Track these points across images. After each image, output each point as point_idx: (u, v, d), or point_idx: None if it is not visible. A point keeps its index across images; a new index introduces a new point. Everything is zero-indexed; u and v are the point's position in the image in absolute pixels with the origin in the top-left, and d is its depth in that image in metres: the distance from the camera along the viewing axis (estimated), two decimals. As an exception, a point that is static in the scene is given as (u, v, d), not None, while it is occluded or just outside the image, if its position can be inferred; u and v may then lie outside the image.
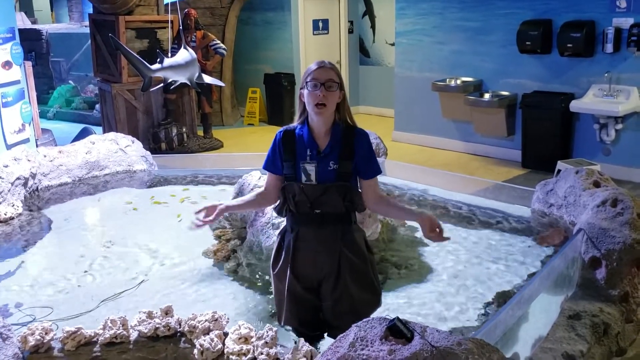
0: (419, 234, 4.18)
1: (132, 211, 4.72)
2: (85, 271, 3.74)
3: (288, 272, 2.58)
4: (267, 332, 2.34)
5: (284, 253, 2.61)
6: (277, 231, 3.69)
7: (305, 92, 2.47)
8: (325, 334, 2.71)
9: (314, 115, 2.47)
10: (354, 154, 2.50)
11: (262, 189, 2.69)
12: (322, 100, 2.42)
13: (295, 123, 2.59)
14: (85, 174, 5.27)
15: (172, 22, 7.73)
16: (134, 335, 2.48)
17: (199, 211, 2.55)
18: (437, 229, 2.41)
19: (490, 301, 3.33)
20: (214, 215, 2.54)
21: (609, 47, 6.49)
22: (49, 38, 12.81)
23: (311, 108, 2.46)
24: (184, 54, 4.90)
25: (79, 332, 2.44)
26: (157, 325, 2.48)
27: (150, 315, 2.54)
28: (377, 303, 2.69)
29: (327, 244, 2.53)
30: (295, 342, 2.35)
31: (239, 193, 4.25)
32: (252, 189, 4.11)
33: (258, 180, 4.18)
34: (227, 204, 2.62)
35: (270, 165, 2.61)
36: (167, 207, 4.80)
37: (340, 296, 2.55)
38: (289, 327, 2.74)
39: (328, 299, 2.58)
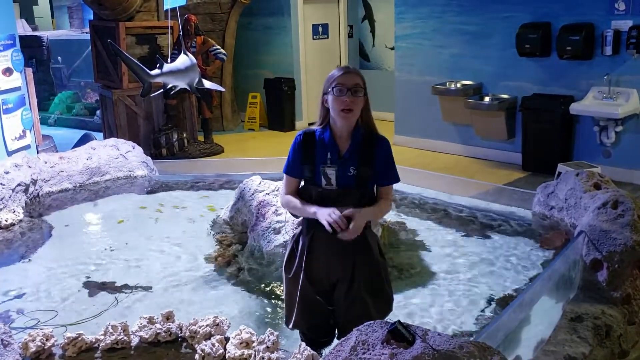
0: (419, 238, 4.18)
1: (133, 217, 4.72)
2: (87, 277, 3.74)
3: (302, 275, 2.58)
4: (269, 336, 2.33)
5: (297, 256, 2.61)
6: (279, 235, 3.71)
7: (329, 97, 2.45)
8: (335, 339, 2.70)
9: (339, 120, 2.45)
10: (374, 160, 2.49)
11: (287, 193, 2.60)
12: (349, 105, 2.41)
13: (316, 127, 2.57)
14: (86, 180, 5.27)
15: (172, 28, 7.75)
16: (135, 340, 2.48)
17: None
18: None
19: (492, 304, 3.33)
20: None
21: (608, 50, 6.50)
22: (49, 45, 12.84)
23: (337, 113, 2.44)
24: (184, 60, 4.90)
25: (79, 338, 2.44)
26: (158, 331, 2.47)
27: (151, 320, 2.54)
28: (388, 309, 2.68)
29: (341, 248, 2.52)
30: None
31: (240, 198, 4.25)
32: (252, 194, 4.12)
33: (259, 185, 4.18)
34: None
35: (291, 168, 2.57)
36: (170, 212, 4.80)
37: (353, 301, 2.55)
38: (295, 331, 2.74)
39: (340, 304, 2.58)
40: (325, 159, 2.49)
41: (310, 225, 2.57)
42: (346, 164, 2.48)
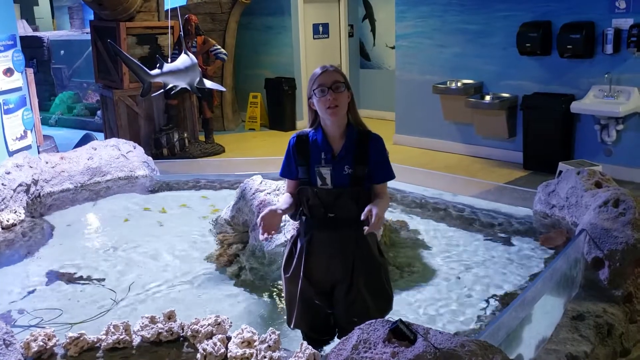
0: (420, 237, 4.18)
1: (134, 217, 4.72)
2: (88, 277, 3.74)
3: (301, 276, 2.58)
4: (270, 335, 2.33)
5: (296, 257, 2.61)
6: (280, 235, 3.71)
7: (314, 100, 2.47)
8: (336, 338, 2.70)
9: (328, 118, 2.46)
10: (369, 159, 2.50)
11: (287, 193, 2.65)
12: (333, 102, 2.42)
13: (308, 129, 2.58)
14: (87, 180, 5.28)
15: (172, 28, 7.76)
16: (136, 340, 2.48)
17: (260, 224, 2.43)
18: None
19: (493, 303, 3.33)
20: (277, 224, 2.46)
21: (609, 48, 6.49)
22: (50, 45, 12.86)
23: (323, 112, 2.45)
24: (184, 59, 4.90)
25: (81, 338, 2.44)
26: (159, 330, 2.47)
27: (152, 320, 2.54)
28: (388, 307, 2.68)
29: (340, 248, 2.53)
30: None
31: (241, 198, 4.26)
32: (253, 194, 4.12)
33: (259, 184, 4.18)
34: (281, 207, 2.52)
35: (286, 171, 2.61)
36: (171, 212, 4.80)
37: (353, 301, 2.56)
38: (297, 330, 2.74)
39: (341, 304, 2.58)
40: (319, 159, 2.50)
41: (308, 227, 2.58)
42: (341, 163, 2.48)
